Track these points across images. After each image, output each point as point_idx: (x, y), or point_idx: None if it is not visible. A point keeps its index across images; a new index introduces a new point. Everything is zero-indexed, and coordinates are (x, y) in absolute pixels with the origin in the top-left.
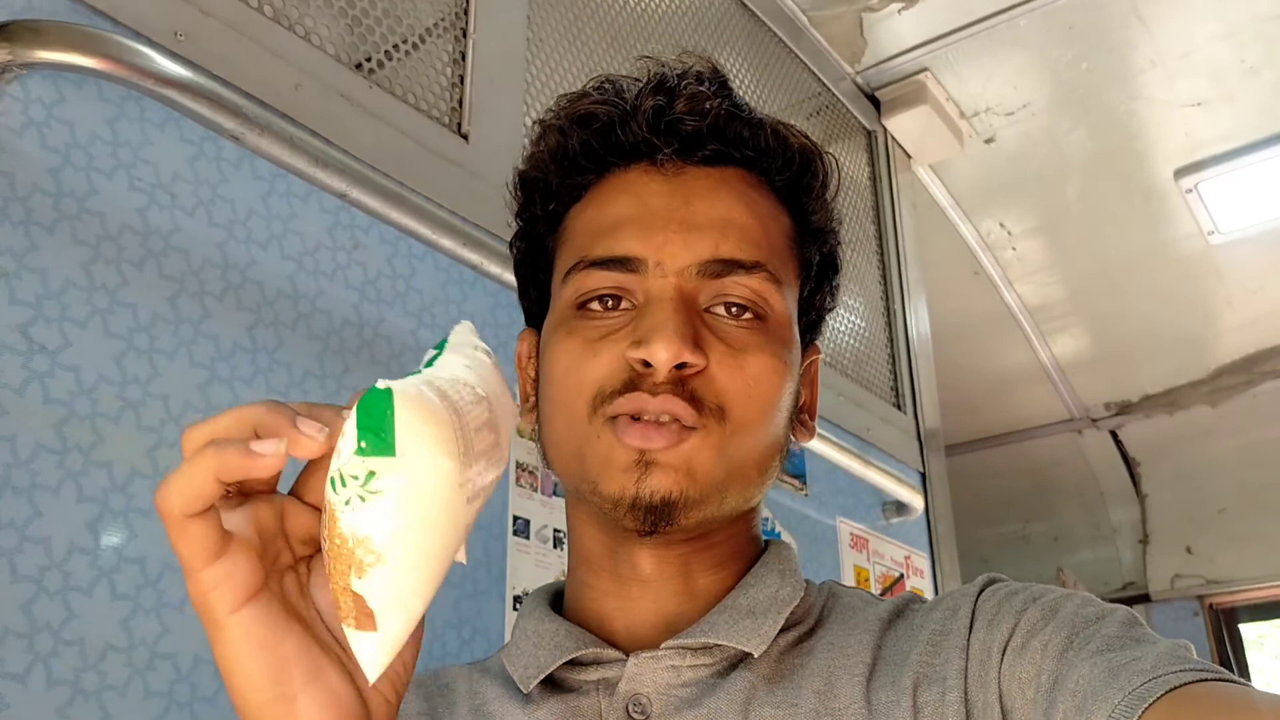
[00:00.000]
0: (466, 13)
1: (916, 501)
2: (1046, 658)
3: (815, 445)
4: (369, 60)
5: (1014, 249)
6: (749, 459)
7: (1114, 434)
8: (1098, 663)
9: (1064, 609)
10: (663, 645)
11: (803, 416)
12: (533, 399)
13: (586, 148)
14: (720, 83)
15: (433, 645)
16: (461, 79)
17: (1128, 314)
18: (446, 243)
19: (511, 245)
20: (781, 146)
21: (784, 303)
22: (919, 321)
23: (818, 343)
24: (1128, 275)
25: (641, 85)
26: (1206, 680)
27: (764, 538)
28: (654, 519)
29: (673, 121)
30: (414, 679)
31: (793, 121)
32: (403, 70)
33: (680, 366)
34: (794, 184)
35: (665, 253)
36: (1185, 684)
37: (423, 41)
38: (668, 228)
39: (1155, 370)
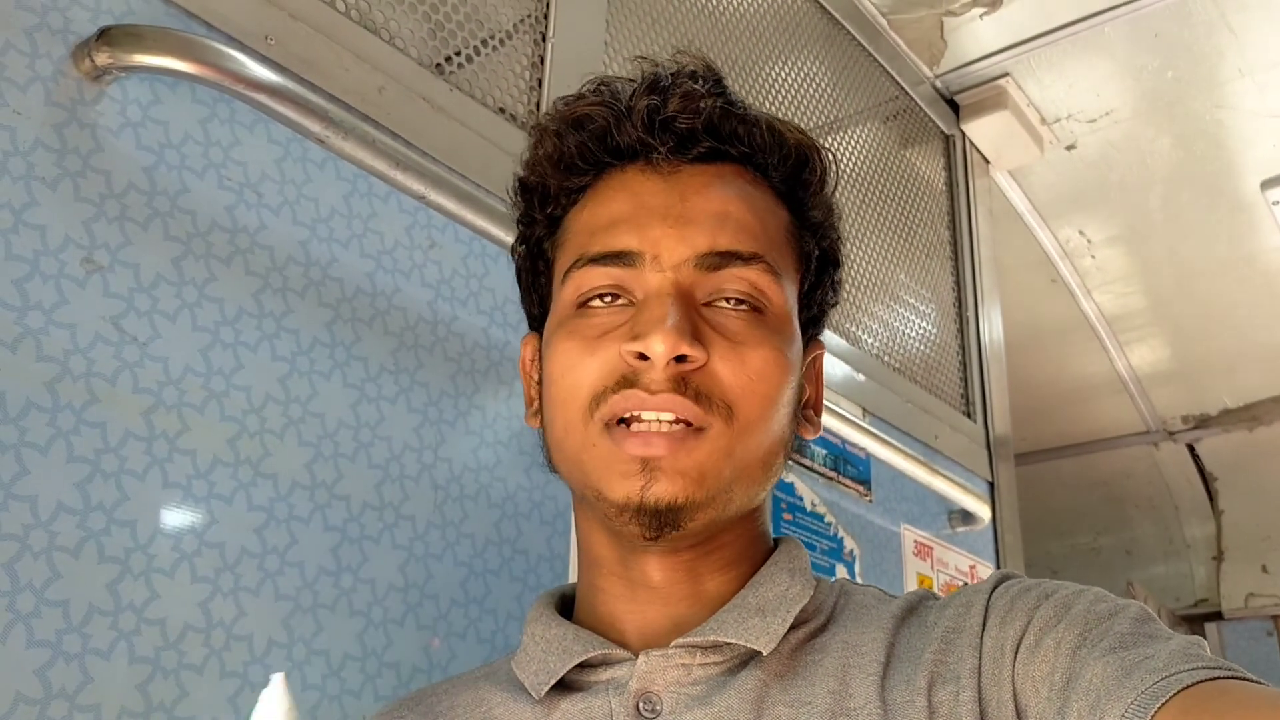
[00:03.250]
0: (547, 17)
1: (983, 511)
2: (1059, 656)
3: (881, 451)
4: (449, 61)
5: (1093, 257)
6: (755, 458)
7: (1191, 448)
8: (1110, 661)
9: (1076, 605)
10: (672, 644)
11: (807, 412)
12: (537, 402)
13: (582, 149)
14: (715, 80)
15: (495, 636)
16: (540, 82)
17: (1209, 326)
18: None
19: (512, 251)
20: (778, 142)
21: (783, 295)
22: (992, 329)
23: (820, 339)
24: (1210, 287)
25: (636, 86)
26: (1219, 678)
27: (774, 535)
28: (659, 524)
29: (666, 120)
30: (411, 697)
31: (869, 125)
32: (483, 73)
33: (680, 360)
34: (791, 179)
35: (662, 246)
36: (1198, 682)
37: (502, 44)
38: (664, 222)
39: (1236, 384)
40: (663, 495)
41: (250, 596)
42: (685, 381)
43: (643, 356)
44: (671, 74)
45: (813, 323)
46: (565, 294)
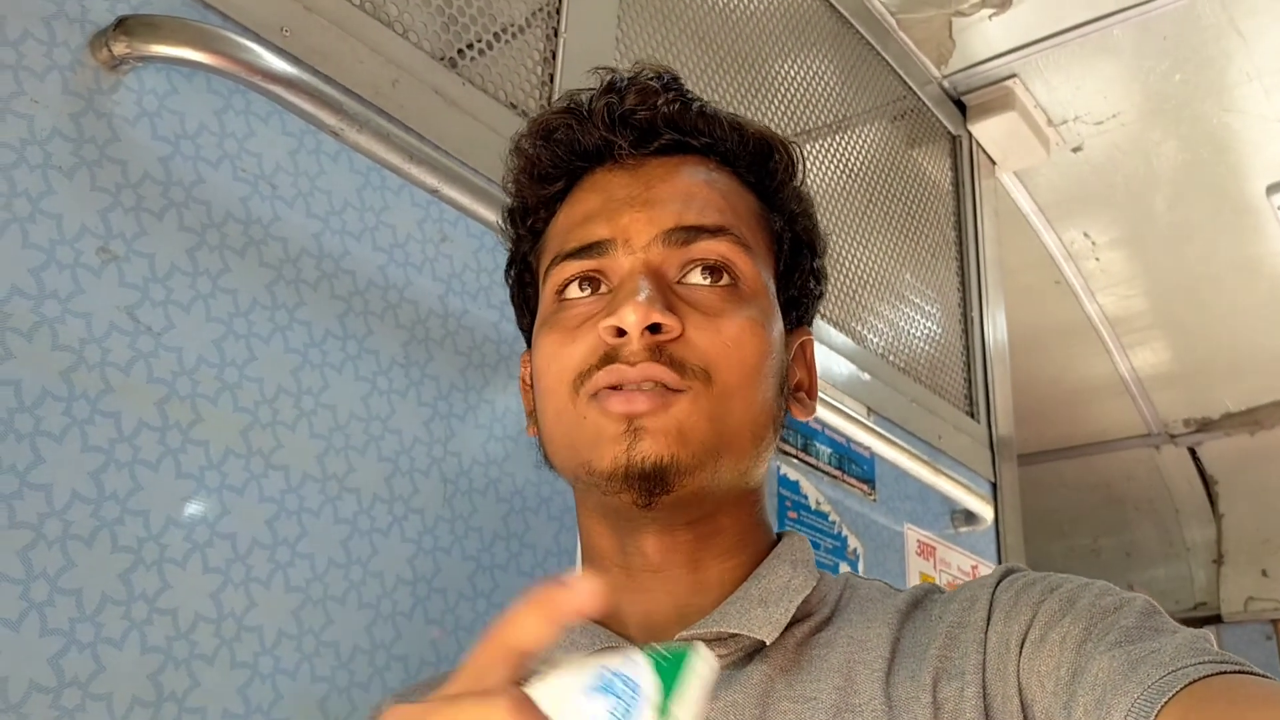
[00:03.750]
0: (559, 12)
1: (986, 511)
2: (1065, 650)
3: (885, 451)
4: (461, 55)
5: (1097, 259)
6: (740, 424)
7: (1192, 451)
8: (1116, 655)
9: (1082, 599)
10: (675, 637)
11: (799, 394)
12: (534, 412)
13: (550, 156)
14: (671, 79)
15: None
16: (551, 77)
17: (1212, 330)
18: None
19: (505, 275)
20: (738, 135)
21: (755, 269)
22: (996, 329)
23: (808, 327)
24: (1214, 290)
25: (595, 91)
26: (1226, 673)
27: (778, 530)
28: (649, 486)
29: (624, 115)
30: (424, 683)
31: (876, 124)
32: (495, 68)
33: (654, 330)
34: (758, 169)
35: (631, 231)
36: (1205, 677)
37: (515, 38)
38: (631, 208)
39: (1238, 388)
40: (648, 454)
41: (261, 588)
42: (662, 350)
43: (620, 332)
44: (629, 77)
45: (793, 305)
46: (547, 293)
